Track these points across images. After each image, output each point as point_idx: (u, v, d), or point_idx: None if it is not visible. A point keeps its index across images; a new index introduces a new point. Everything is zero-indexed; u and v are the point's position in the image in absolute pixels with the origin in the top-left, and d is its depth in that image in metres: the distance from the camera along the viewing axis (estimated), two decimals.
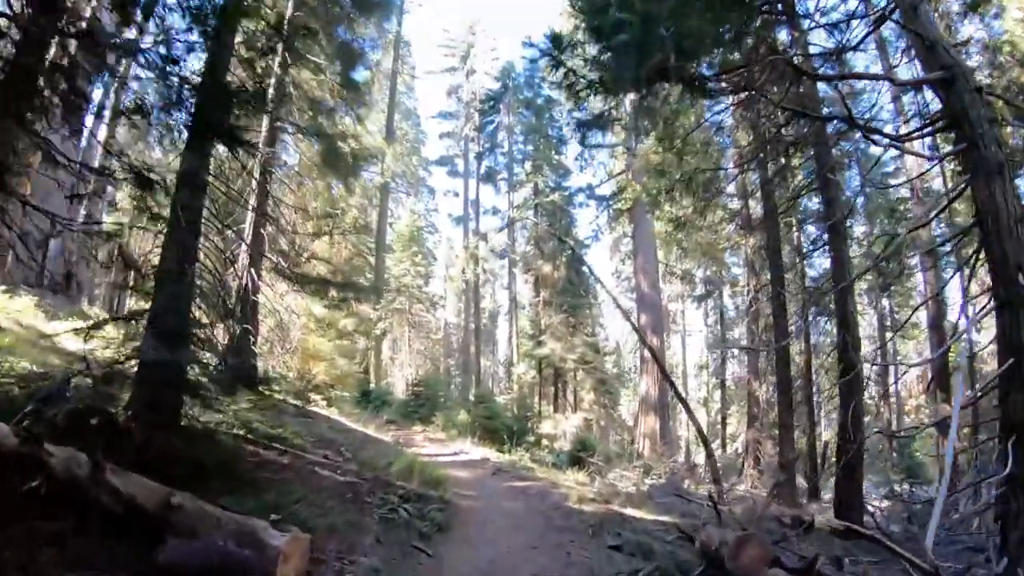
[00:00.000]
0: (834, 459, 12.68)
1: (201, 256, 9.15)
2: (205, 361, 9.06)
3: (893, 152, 17.19)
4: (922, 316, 20.88)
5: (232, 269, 15.04)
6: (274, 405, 13.48)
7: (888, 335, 25.98)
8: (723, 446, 36.53)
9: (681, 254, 39.43)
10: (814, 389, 19.87)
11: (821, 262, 21.20)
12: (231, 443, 8.78)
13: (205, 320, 9.26)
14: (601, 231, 36.34)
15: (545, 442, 26.47)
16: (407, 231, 36.46)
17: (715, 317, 42.31)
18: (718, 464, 23.80)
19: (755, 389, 20.74)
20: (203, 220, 9.13)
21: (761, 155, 16.64)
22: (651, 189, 16.06)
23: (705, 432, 17.73)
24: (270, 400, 13.64)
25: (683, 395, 18.53)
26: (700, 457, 43.86)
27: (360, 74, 16.58)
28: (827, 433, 20.73)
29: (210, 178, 9.24)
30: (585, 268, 31.06)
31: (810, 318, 18.72)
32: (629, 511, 10.42)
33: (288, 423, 11.72)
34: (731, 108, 16.69)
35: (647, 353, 27.01)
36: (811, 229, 20.95)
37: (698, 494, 14.56)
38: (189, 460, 6.99)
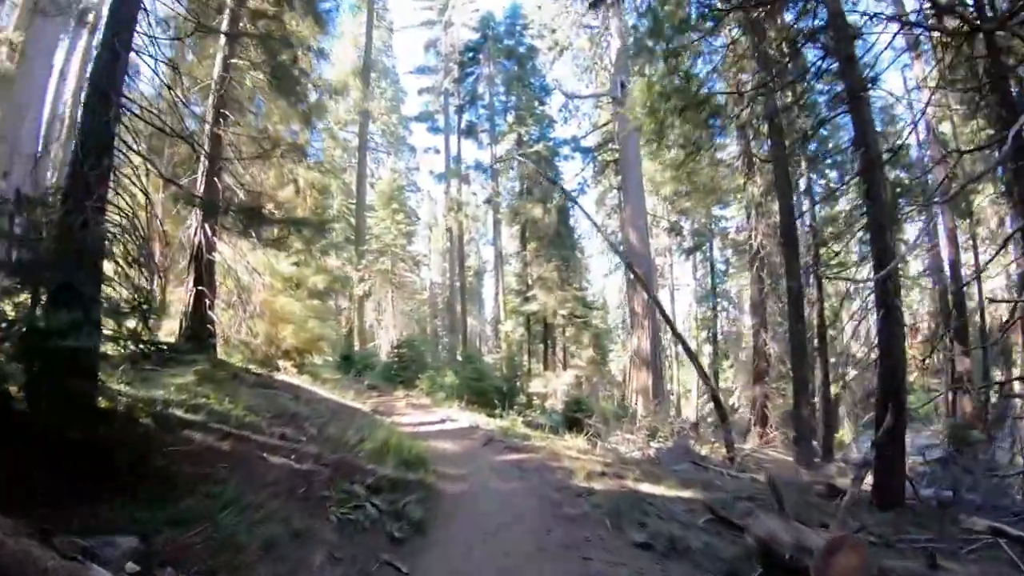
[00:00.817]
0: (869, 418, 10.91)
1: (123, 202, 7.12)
2: (132, 328, 6.92)
3: None
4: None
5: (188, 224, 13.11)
6: (234, 375, 11.49)
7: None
8: (715, 404, 34.99)
9: (670, 206, 37.65)
10: (829, 339, 18.09)
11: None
12: (157, 427, 6.75)
13: (140, 279, 7.19)
14: (587, 184, 34.48)
15: (536, 401, 24.82)
16: (387, 189, 34.13)
17: (703, 270, 40.84)
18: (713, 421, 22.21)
19: (763, 342, 18.79)
20: (117, 150, 7.04)
21: (770, 83, 14.59)
22: (657, 108, 13.85)
23: (717, 392, 15.87)
24: (229, 369, 11.65)
25: (691, 348, 16.49)
26: (692, 411, 42.85)
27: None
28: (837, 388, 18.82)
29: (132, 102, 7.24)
30: (578, 210, 29.00)
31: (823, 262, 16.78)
32: (646, 487, 8.52)
33: (244, 396, 9.69)
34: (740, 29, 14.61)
35: (638, 307, 25.68)
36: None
37: (713, 460, 12.78)
38: (95, 452, 5.10)
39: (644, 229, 26.61)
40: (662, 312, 16.22)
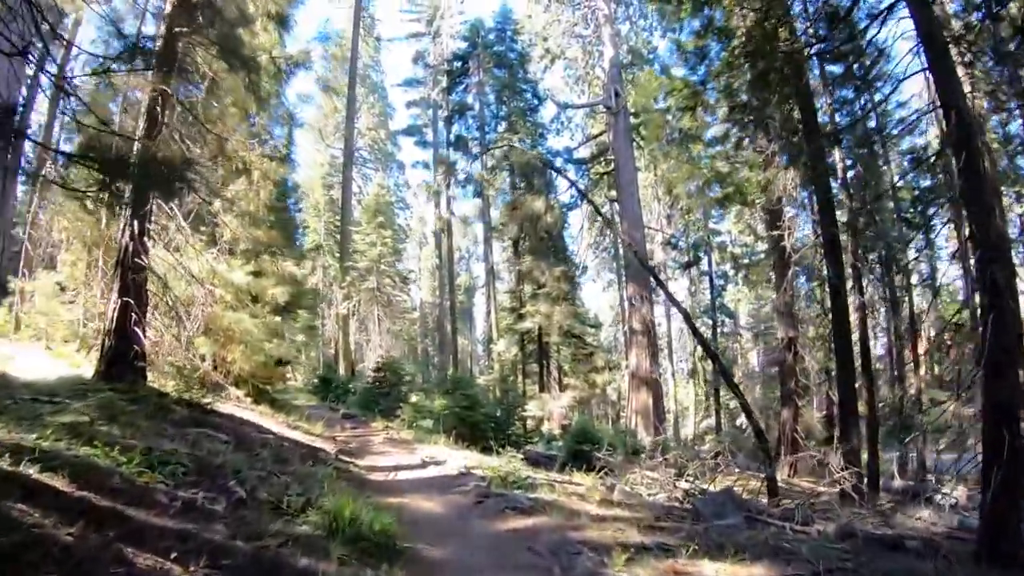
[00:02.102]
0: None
1: None
2: None
3: None
4: None
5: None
6: (159, 408, 8.65)
7: None
8: (717, 424, 32.37)
9: (666, 221, 35.32)
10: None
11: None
12: None
13: None
14: (579, 199, 31.85)
15: (531, 423, 22.02)
16: (373, 203, 31.34)
17: (697, 285, 38.61)
18: (731, 446, 19.43)
19: (793, 358, 15.95)
20: None
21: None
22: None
23: (758, 422, 13.03)
24: (153, 401, 8.82)
25: (726, 369, 13.57)
26: (690, 430, 40.07)
27: None
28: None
29: None
30: (573, 222, 26.46)
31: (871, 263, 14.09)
32: (709, 570, 5.67)
33: (152, 441, 6.87)
34: None
35: (636, 324, 23.54)
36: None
37: (759, 505, 9.94)
38: None
39: (642, 242, 24.48)
40: (688, 321, 13.23)
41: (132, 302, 9.83)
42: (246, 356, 10.56)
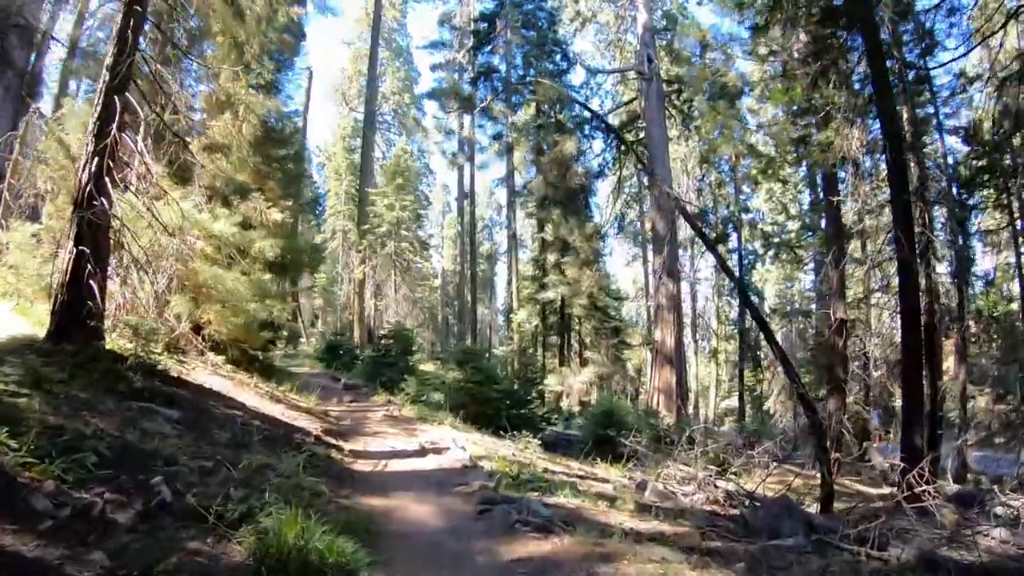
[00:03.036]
0: None
1: None
2: None
3: None
4: None
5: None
6: (107, 374, 6.98)
7: None
8: (740, 408, 30.44)
9: (695, 195, 33.18)
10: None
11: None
12: None
13: None
14: (608, 166, 29.81)
15: (550, 398, 20.28)
16: (392, 164, 29.45)
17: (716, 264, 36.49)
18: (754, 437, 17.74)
19: (845, 342, 13.94)
20: None
21: None
22: None
23: (819, 416, 11.06)
24: (101, 364, 7.14)
25: (785, 354, 11.48)
26: (710, 410, 38.23)
27: None
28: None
29: None
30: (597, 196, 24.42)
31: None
32: None
33: (82, 415, 5.22)
34: None
35: (663, 299, 21.78)
36: None
37: (817, 518, 8.09)
38: None
39: (672, 214, 22.53)
40: (741, 290, 11.30)
41: (87, 251, 8.09)
42: (222, 317, 8.83)
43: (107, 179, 8.37)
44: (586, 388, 24.25)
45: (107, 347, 8.18)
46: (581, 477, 8.33)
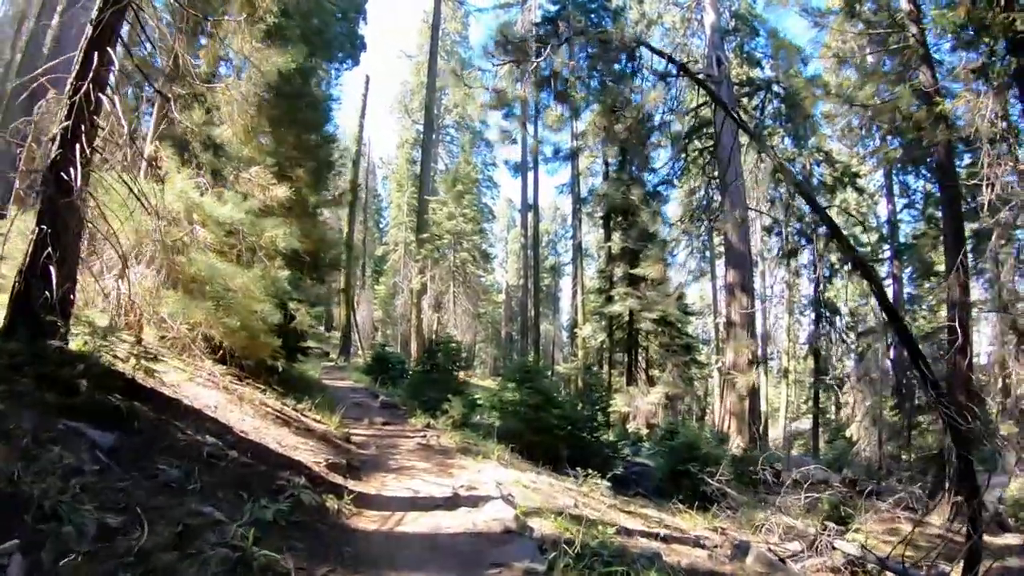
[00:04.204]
0: None
1: None
2: None
3: None
4: None
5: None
6: (45, 381, 5.06)
7: None
8: (814, 433, 27.37)
9: (770, 200, 30.33)
10: None
11: None
12: None
13: None
14: (677, 175, 27.29)
15: (614, 418, 17.89)
16: (453, 173, 27.66)
17: (787, 278, 33.44)
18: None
19: (969, 361, 11.14)
20: None
21: None
22: None
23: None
24: (46, 367, 5.24)
25: (928, 366, 8.75)
26: (779, 432, 34.97)
27: None
28: None
29: None
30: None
31: None
32: None
33: None
34: None
35: (735, 315, 19.55)
36: None
37: None
38: None
39: (745, 225, 20.88)
40: (875, 286, 8.73)
41: (49, 231, 6.22)
42: (213, 317, 6.87)
43: (79, 148, 6.46)
44: (654, 409, 21.88)
45: (72, 348, 6.26)
46: (665, 539, 5.98)
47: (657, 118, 21.18)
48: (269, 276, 7.90)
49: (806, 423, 34.65)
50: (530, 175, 30.34)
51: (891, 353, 24.19)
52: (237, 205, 7.71)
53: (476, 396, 12.41)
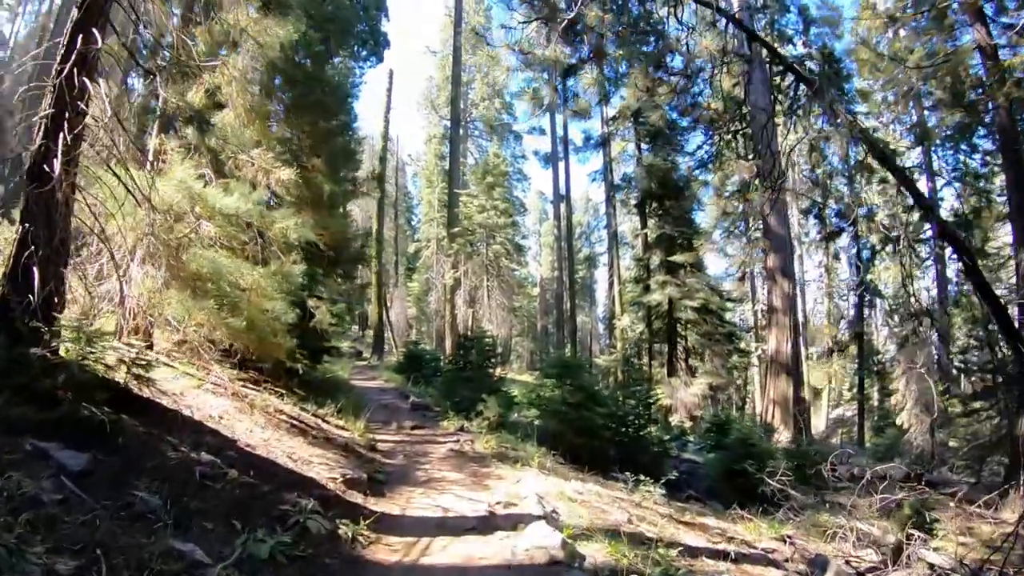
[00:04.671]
0: None
1: None
2: None
3: None
4: None
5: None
6: (35, 396, 4.36)
7: None
8: (860, 423, 26.03)
9: (809, 184, 29.03)
10: None
11: None
12: None
13: None
14: (710, 162, 26.04)
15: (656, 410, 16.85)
16: (482, 166, 26.80)
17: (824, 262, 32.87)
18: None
19: None
20: None
21: None
22: None
23: None
24: (19, 382, 4.52)
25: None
26: (822, 421, 33.48)
27: None
28: None
29: None
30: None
31: None
32: None
33: None
34: None
35: (777, 300, 18.74)
36: None
37: None
38: None
39: (784, 207, 20.25)
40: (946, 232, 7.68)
41: (31, 229, 5.51)
42: (216, 318, 6.08)
43: (61, 137, 5.73)
44: (697, 401, 20.84)
45: (62, 355, 5.55)
46: (734, 559, 5.06)
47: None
48: (281, 272, 7.11)
49: (848, 410, 33.32)
50: (561, 165, 29.41)
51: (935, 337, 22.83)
52: (245, 196, 6.94)
53: (513, 394, 11.49)
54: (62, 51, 5.72)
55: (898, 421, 26.17)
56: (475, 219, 24.23)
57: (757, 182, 24.11)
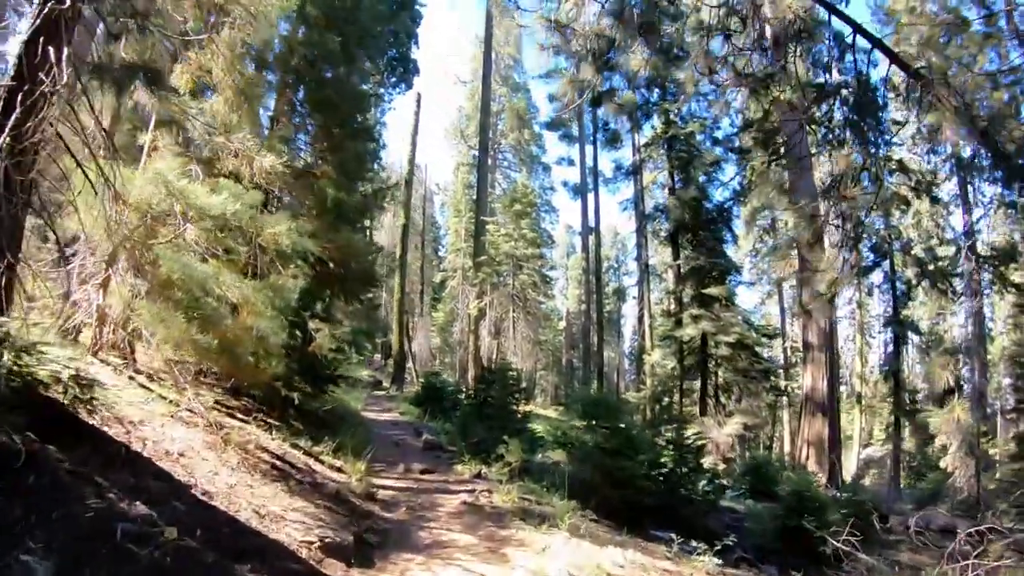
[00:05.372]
0: None
1: None
2: None
3: None
4: None
5: None
6: None
7: None
8: (896, 464, 24.12)
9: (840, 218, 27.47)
10: None
11: None
12: None
13: None
14: (745, 192, 24.72)
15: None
16: (509, 195, 25.80)
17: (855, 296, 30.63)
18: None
19: None
20: None
21: None
22: None
23: None
24: None
25: None
26: (852, 463, 31.48)
27: None
28: None
29: None
30: None
31: None
32: None
33: None
34: None
35: (812, 336, 17.44)
36: None
37: None
38: None
39: (820, 239, 17.76)
40: None
41: None
42: (183, 334, 4.90)
43: (15, 114, 4.67)
44: (731, 442, 19.35)
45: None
46: None
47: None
48: (272, 285, 5.97)
49: (877, 450, 31.59)
50: (590, 197, 28.34)
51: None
52: (235, 196, 5.86)
53: (538, 431, 10.15)
54: (31, 16, 4.77)
55: (942, 464, 24.30)
56: (502, 248, 23.14)
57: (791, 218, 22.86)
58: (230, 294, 5.63)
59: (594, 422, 7.92)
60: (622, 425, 7.78)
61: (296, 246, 6.06)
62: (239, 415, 6.71)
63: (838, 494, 11.38)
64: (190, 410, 5.78)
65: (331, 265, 7.74)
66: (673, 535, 5.88)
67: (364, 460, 6.71)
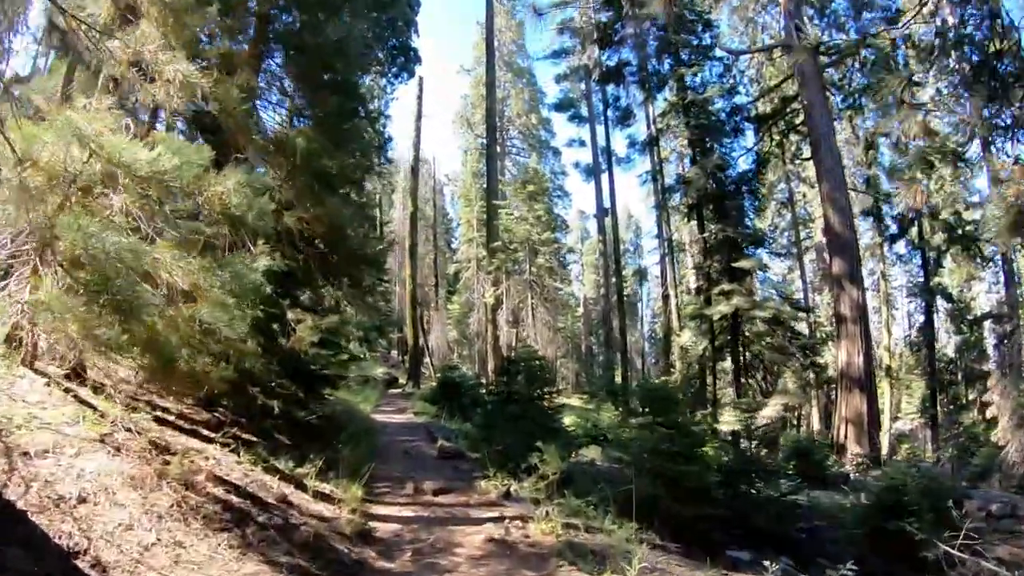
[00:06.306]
0: None
1: None
2: None
3: None
4: None
5: None
6: None
7: None
8: (935, 438, 22.75)
9: (865, 179, 25.79)
10: None
11: None
12: None
13: None
14: (764, 161, 22.97)
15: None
16: (522, 176, 24.33)
17: (880, 265, 29.27)
18: None
19: None
20: None
21: None
22: None
23: None
24: None
25: None
26: (885, 438, 29.77)
27: None
28: None
29: None
30: None
31: None
32: None
33: None
34: None
35: (845, 309, 16.41)
36: None
37: None
38: None
39: (847, 207, 17.43)
40: None
41: None
42: (81, 325, 3.42)
43: None
44: (771, 425, 17.82)
45: None
46: None
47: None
48: (229, 264, 4.43)
49: (906, 424, 30.18)
50: (604, 177, 26.65)
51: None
52: (175, 151, 4.33)
53: (570, 427, 8.53)
54: None
55: (993, 438, 22.64)
56: (516, 233, 21.61)
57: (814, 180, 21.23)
58: (175, 277, 4.12)
59: (652, 417, 6.21)
60: (688, 424, 6.08)
61: (254, 210, 4.50)
62: (204, 431, 5.19)
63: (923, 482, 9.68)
64: (131, 429, 4.27)
65: (317, 243, 6.21)
66: (766, 562, 4.30)
67: (361, 482, 5.16)
